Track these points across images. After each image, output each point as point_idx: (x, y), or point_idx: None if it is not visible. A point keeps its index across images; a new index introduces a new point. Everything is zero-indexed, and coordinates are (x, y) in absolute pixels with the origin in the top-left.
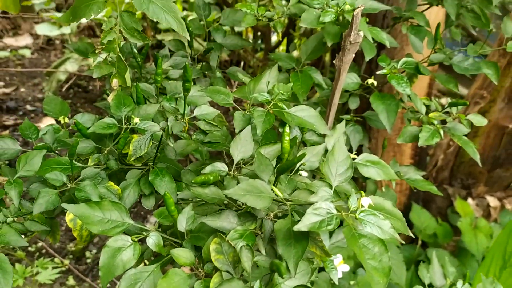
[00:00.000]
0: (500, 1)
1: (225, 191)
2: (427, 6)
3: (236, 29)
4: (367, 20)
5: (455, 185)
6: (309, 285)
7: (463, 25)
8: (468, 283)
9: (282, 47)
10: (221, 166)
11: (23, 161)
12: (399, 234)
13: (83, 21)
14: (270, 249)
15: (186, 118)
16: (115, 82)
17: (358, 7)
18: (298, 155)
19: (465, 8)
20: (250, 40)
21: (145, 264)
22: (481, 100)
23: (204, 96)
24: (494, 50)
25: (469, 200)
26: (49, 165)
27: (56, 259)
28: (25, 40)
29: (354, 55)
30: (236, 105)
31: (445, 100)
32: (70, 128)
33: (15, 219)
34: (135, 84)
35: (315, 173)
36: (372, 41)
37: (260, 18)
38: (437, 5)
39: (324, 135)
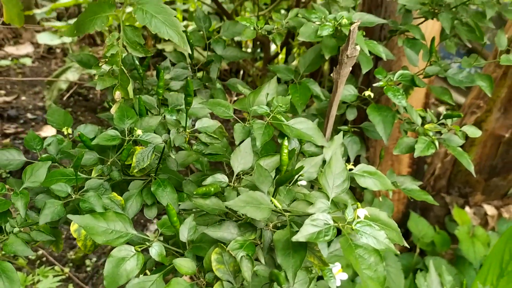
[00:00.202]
0: (497, 11)
1: (226, 202)
2: (423, 19)
3: (236, 38)
4: (364, 33)
5: (452, 193)
6: None
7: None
8: None
9: (281, 56)
10: (221, 178)
11: (29, 172)
12: (396, 243)
13: None
14: (269, 259)
15: (188, 130)
16: (117, 94)
17: (354, 22)
18: (296, 167)
19: (460, 22)
20: (250, 50)
21: (147, 274)
22: (477, 110)
23: (204, 108)
24: (488, 62)
25: (467, 208)
26: (54, 176)
27: (56, 267)
28: (26, 48)
29: (351, 68)
30: (236, 116)
31: (442, 109)
32: (71, 136)
33: (22, 229)
34: (137, 96)
35: (313, 183)
36: (369, 54)
37: (260, 31)
38: (432, 19)
39: (322, 146)
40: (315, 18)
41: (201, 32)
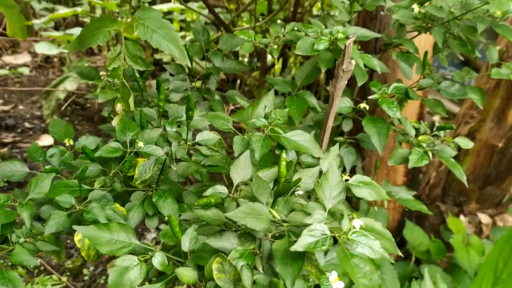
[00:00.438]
0: (489, 25)
1: (226, 213)
2: (416, 33)
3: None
4: (359, 47)
5: (447, 202)
6: None
7: None
8: None
9: (278, 66)
10: (221, 189)
11: (34, 183)
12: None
13: None
14: (268, 268)
15: (188, 143)
16: (119, 107)
17: (350, 37)
18: (294, 178)
19: (452, 35)
20: (246, 59)
21: (149, 282)
22: (471, 120)
23: (204, 120)
24: (480, 76)
25: (461, 217)
26: (58, 188)
27: (54, 276)
28: (23, 58)
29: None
30: (233, 125)
31: (437, 118)
32: (73, 147)
33: (27, 239)
34: (139, 108)
35: (310, 194)
36: (364, 67)
37: (257, 44)
38: (425, 33)
39: (319, 158)
40: (312, 32)
41: (198, 42)
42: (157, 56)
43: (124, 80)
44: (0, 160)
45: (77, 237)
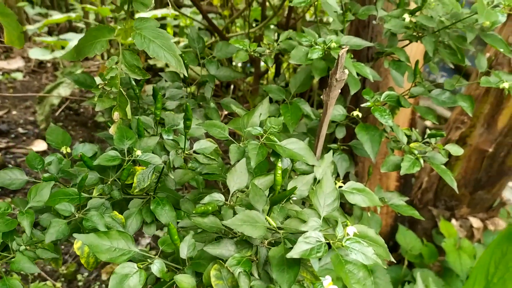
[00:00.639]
0: (480, 31)
1: (224, 221)
2: (408, 42)
3: None
4: (352, 56)
5: (439, 206)
6: None
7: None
8: None
9: (271, 71)
10: (218, 197)
11: (34, 192)
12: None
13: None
14: (265, 274)
15: (186, 152)
16: (116, 115)
17: (342, 48)
18: (288, 185)
19: (442, 44)
20: (240, 64)
21: None
22: (462, 125)
23: (200, 128)
24: (469, 84)
25: (453, 221)
26: (57, 196)
27: (48, 282)
28: (17, 63)
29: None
30: (229, 132)
31: (429, 122)
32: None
33: (27, 247)
34: (136, 117)
35: (304, 200)
36: (356, 76)
37: (252, 53)
38: (416, 41)
39: (313, 165)
40: (306, 42)
41: (193, 50)
42: (151, 62)
43: (121, 89)
44: None
45: (76, 245)
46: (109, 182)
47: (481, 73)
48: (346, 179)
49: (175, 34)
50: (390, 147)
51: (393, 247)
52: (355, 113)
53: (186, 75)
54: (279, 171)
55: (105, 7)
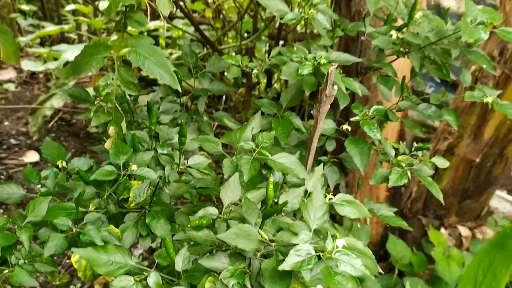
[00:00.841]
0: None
1: (218, 235)
2: (395, 57)
3: None
4: (341, 71)
5: (428, 215)
6: None
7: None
8: None
9: (263, 82)
10: (212, 210)
11: (32, 207)
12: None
13: (70, 57)
14: (258, 286)
15: (181, 167)
16: (111, 130)
17: (332, 65)
18: (280, 199)
19: (428, 59)
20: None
21: None
22: (449, 136)
23: (194, 143)
24: (455, 98)
25: (442, 230)
26: (55, 210)
27: None
28: (9, 74)
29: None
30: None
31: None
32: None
33: (26, 261)
34: (131, 132)
35: (296, 212)
36: (345, 91)
37: (244, 68)
38: (403, 57)
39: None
40: (296, 58)
41: (186, 63)
42: (143, 73)
43: (117, 104)
44: None
45: (74, 258)
46: (105, 197)
47: (466, 88)
48: (336, 189)
49: (167, 45)
50: (378, 159)
51: (384, 256)
52: (345, 127)
53: (180, 90)
54: (271, 186)
55: (98, 19)
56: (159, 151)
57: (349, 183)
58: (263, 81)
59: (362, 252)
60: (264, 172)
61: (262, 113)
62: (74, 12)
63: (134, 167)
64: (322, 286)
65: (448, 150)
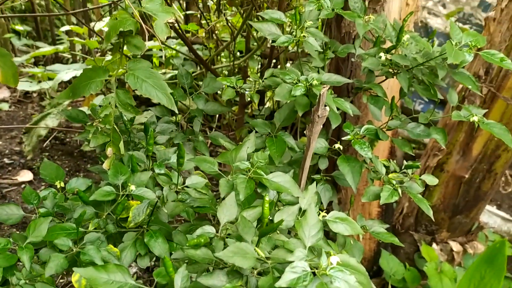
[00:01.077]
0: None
1: (216, 253)
2: (384, 78)
3: None
4: (332, 92)
5: (420, 231)
6: None
7: None
8: None
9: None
10: (209, 229)
11: (32, 228)
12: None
13: (65, 77)
14: None
15: (179, 186)
16: (109, 151)
17: (324, 86)
18: (275, 217)
19: (416, 80)
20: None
21: None
22: (439, 152)
23: (191, 162)
24: (443, 117)
25: (434, 245)
26: (55, 231)
27: None
28: (2, 93)
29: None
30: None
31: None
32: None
33: (27, 281)
34: (130, 153)
35: (290, 230)
36: (337, 111)
37: (239, 89)
38: (392, 77)
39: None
40: (289, 79)
41: (181, 84)
42: (137, 92)
43: (115, 126)
44: None
45: (74, 278)
46: (103, 217)
47: (453, 107)
48: (329, 206)
49: (160, 64)
50: (370, 177)
51: (377, 272)
52: (337, 145)
53: (176, 112)
54: (267, 205)
55: (93, 39)
56: (157, 171)
57: (341, 199)
58: (257, 102)
59: (355, 269)
60: (259, 190)
61: (256, 132)
62: (67, 32)
63: (132, 187)
64: None
65: (438, 166)
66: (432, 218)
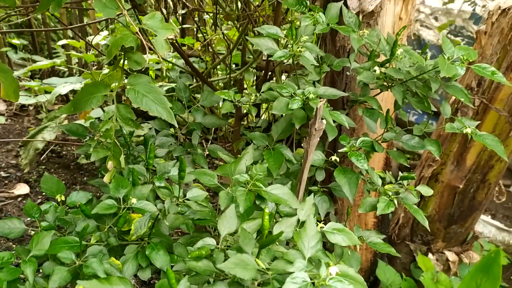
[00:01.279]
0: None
1: (218, 265)
2: (379, 91)
3: None
4: (328, 105)
5: (416, 241)
6: None
7: None
8: None
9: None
10: (210, 241)
11: (35, 241)
12: None
13: (62, 91)
14: None
15: (180, 200)
16: (110, 164)
17: (320, 100)
18: (274, 229)
19: (410, 93)
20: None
21: None
22: (433, 163)
23: (190, 175)
24: (436, 129)
25: (430, 255)
26: (58, 244)
27: None
28: None
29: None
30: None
31: None
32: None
33: None
34: (130, 166)
35: (289, 241)
36: (333, 123)
37: (236, 103)
38: (386, 90)
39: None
40: (286, 93)
41: (179, 97)
42: (134, 104)
43: (115, 140)
44: None
45: None
46: (105, 230)
47: (446, 119)
48: (326, 217)
49: (157, 77)
50: (366, 188)
51: (374, 282)
52: (333, 158)
53: (176, 125)
54: (267, 217)
55: (90, 53)
56: (157, 184)
57: (338, 210)
58: (254, 115)
59: (354, 279)
60: (257, 202)
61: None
62: (64, 46)
63: (134, 200)
64: None
65: (433, 177)
66: (428, 228)
